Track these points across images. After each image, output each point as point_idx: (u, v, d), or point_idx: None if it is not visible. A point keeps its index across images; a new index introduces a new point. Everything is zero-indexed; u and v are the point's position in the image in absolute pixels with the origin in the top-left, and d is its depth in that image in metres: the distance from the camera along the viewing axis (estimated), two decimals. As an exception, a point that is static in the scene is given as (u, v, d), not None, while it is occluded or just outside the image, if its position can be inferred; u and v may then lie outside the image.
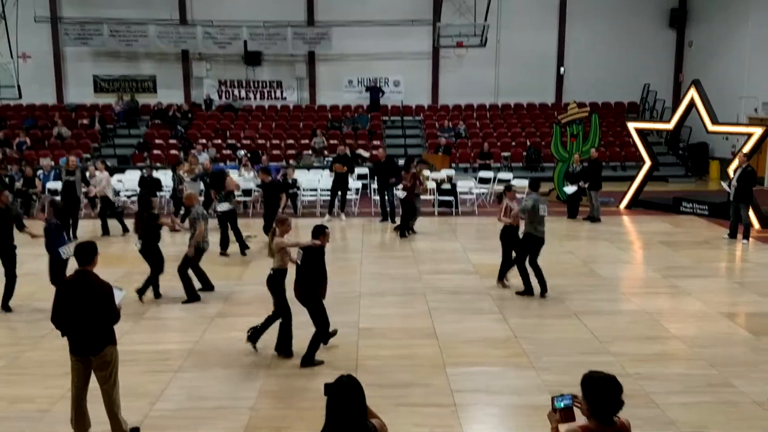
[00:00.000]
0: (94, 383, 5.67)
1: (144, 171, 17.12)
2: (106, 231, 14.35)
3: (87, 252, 5.62)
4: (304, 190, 17.29)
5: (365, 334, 8.33)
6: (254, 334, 7.75)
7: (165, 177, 17.59)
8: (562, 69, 26.10)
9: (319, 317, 7.39)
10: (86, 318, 5.46)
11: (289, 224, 7.83)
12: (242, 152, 20.98)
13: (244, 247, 12.65)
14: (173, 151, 22.16)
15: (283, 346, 7.62)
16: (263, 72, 26.19)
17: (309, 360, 7.32)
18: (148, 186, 16.36)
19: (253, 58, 25.54)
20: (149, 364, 7.45)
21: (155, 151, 22.56)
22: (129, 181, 17.66)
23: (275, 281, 7.64)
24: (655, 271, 11.28)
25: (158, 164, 20.95)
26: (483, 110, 26.06)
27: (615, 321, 8.86)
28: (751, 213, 13.83)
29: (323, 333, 7.52)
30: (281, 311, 7.64)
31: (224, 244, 12.55)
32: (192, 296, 9.64)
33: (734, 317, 9.03)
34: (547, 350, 7.81)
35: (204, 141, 22.48)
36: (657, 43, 25.79)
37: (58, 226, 9.51)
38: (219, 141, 23.05)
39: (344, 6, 24.43)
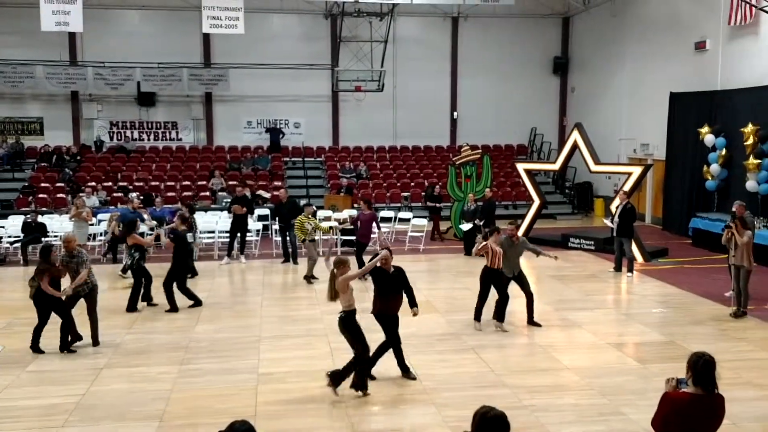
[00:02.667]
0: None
1: (28, 216, 16.22)
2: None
3: None
4: (201, 232, 16.85)
5: (265, 380, 8.13)
6: (336, 378, 7.52)
7: (51, 222, 16.78)
8: (455, 113, 27.08)
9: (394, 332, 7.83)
10: None
11: (348, 265, 7.70)
12: (134, 195, 20.27)
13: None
14: (60, 195, 21.14)
15: (361, 382, 7.57)
16: (158, 113, 25.59)
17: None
18: (33, 231, 15.49)
19: (146, 99, 24.93)
20: (32, 420, 6.94)
21: (41, 195, 21.42)
22: (12, 226, 16.64)
23: (348, 323, 7.52)
24: (546, 304, 11.69)
25: (44, 209, 19.88)
26: (383, 152, 26.54)
27: (510, 354, 9.10)
28: (634, 247, 14.67)
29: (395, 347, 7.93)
30: (363, 351, 7.52)
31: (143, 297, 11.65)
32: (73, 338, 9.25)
33: (622, 347, 9.48)
34: (447, 385, 7.90)
35: (93, 184, 21.58)
36: (542, 89, 27.30)
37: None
38: (110, 183, 22.20)
39: (242, 48, 24.38)
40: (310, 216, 14.01)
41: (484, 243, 10.16)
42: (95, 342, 9.37)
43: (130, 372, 8.39)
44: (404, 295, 7.98)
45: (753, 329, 10.20)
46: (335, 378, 7.54)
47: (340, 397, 7.47)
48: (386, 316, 7.89)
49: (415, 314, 8.12)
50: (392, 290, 7.89)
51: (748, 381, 8.04)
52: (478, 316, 10.22)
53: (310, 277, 13.52)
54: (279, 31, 25.71)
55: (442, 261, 15.74)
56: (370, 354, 7.74)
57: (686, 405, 4.42)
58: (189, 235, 12.28)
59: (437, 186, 19.86)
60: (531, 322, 10.33)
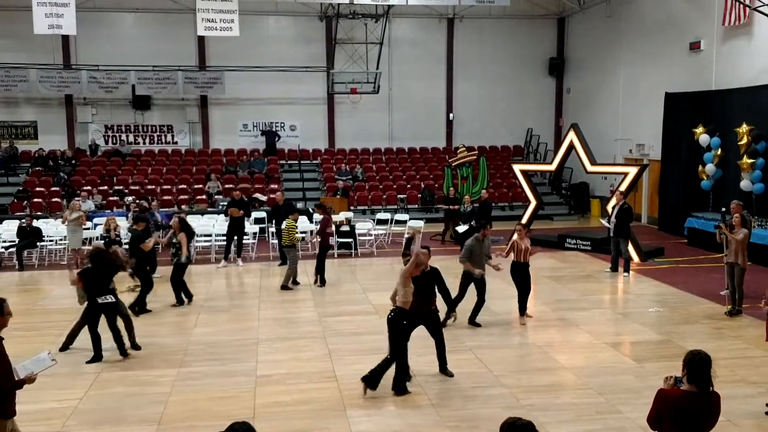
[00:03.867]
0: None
1: (23, 220, 16.19)
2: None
3: None
4: (198, 236, 16.83)
5: (263, 382, 8.14)
6: (372, 381, 7.59)
7: (46, 226, 16.76)
8: (451, 115, 27.11)
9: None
10: None
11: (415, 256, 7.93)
12: (130, 198, 20.25)
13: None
14: (55, 199, 21.09)
15: (399, 385, 7.63)
16: (153, 116, 25.56)
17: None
18: (28, 236, 15.47)
19: (141, 102, 24.90)
20: (30, 425, 6.92)
21: (36, 200, 21.36)
22: (7, 231, 16.60)
23: (395, 322, 7.61)
24: (543, 304, 11.74)
25: (39, 213, 19.84)
26: (379, 154, 26.55)
27: (508, 354, 9.13)
28: (630, 247, 14.72)
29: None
30: (395, 356, 7.58)
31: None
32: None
33: (619, 346, 9.52)
34: (444, 386, 7.92)
35: (89, 188, 21.54)
36: (538, 91, 27.35)
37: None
38: (105, 187, 22.16)
39: (237, 51, 24.38)
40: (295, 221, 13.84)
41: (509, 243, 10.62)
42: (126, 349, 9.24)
43: (128, 375, 8.39)
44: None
45: (748, 327, 10.25)
46: (371, 381, 7.58)
47: (339, 399, 7.48)
48: (419, 313, 7.91)
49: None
50: (425, 290, 8.01)
51: (743, 378, 8.09)
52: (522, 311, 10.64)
53: (287, 287, 13.22)
54: (274, 33, 25.71)
55: (440, 263, 15.72)
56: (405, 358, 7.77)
57: (679, 402, 4.46)
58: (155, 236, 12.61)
59: (450, 188, 19.38)
60: (472, 321, 10.42)
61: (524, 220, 17.94)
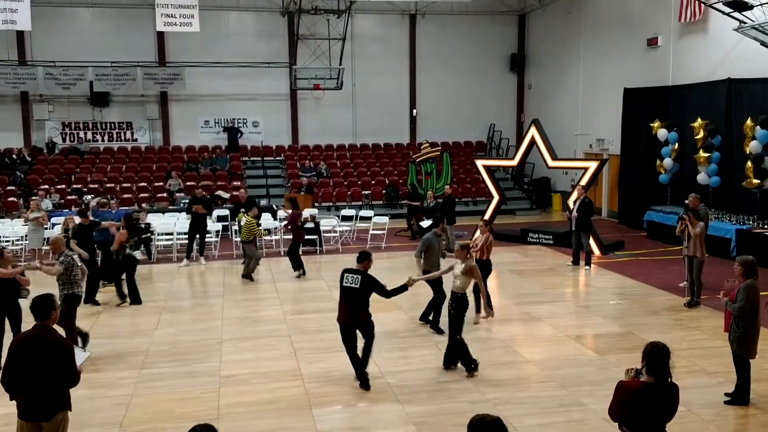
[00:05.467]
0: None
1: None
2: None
3: (45, 306, 5.15)
4: (159, 234, 16.59)
5: (227, 382, 8.05)
6: (448, 359, 8.29)
7: (2, 226, 16.36)
8: (414, 111, 27.17)
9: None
10: (42, 379, 4.94)
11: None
12: (89, 197, 19.83)
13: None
14: (11, 199, 20.56)
15: (462, 360, 8.22)
16: (111, 113, 25.05)
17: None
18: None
19: (100, 99, 24.38)
20: None
21: (-9, 199, 20.80)
22: (-41, 232, 16.14)
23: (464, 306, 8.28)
24: (507, 298, 11.85)
25: (-6, 213, 19.33)
26: (343, 150, 26.46)
27: (472, 349, 9.16)
28: (591, 241, 14.94)
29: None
30: (453, 335, 8.24)
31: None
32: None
33: (581, 339, 9.66)
34: (410, 382, 7.94)
35: (46, 186, 21.03)
36: (500, 86, 27.57)
37: None
38: (63, 186, 21.67)
39: (197, 47, 24.05)
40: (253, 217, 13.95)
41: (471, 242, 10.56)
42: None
43: (89, 378, 8.18)
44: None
45: (706, 318, 10.49)
46: (449, 359, 8.26)
47: (305, 397, 7.44)
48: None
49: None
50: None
51: (702, 368, 8.27)
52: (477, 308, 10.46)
53: (249, 276, 13.64)
54: (235, 28, 25.42)
55: (404, 258, 15.77)
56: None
57: (638, 393, 4.54)
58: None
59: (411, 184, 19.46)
60: (424, 319, 10.40)
61: (487, 216, 18.09)
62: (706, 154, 16.47)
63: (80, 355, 5.38)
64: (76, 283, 8.83)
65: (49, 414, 5.04)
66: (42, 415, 5.04)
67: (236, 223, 15.76)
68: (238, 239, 15.17)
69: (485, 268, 10.53)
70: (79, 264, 9.01)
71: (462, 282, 8.38)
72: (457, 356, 8.23)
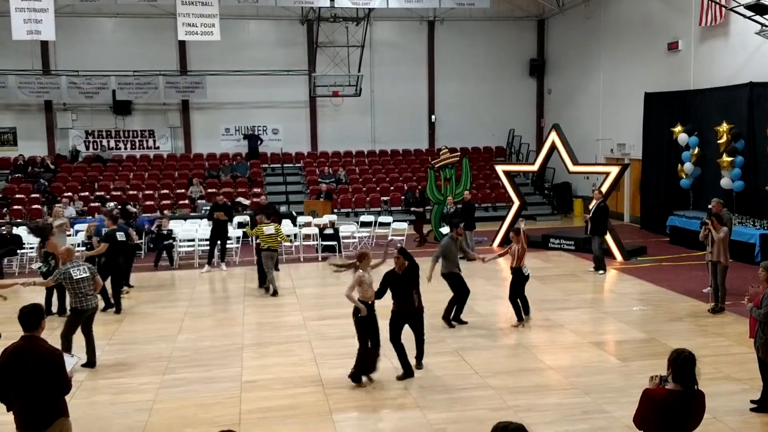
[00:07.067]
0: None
1: (3, 228, 15.99)
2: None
3: (33, 316, 5.14)
4: (181, 240, 16.73)
5: (248, 388, 8.09)
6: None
7: (26, 233, 16.55)
8: (433, 117, 27.16)
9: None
10: (34, 390, 4.94)
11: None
12: (112, 204, 20.06)
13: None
14: (35, 206, 20.86)
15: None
16: (134, 121, 25.36)
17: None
18: (7, 243, 15.27)
19: (122, 108, 24.69)
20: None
21: (15, 207, 21.11)
22: (-15, 239, 16.35)
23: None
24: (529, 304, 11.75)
25: (18, 220, 19.59)
26: (362, 156, 26.53)
27: (493, 355, 9.14)
28: (613, 246, 14.81)
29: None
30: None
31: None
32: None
33: (604, 345, 9.57)
34: (431, 388, 7.91)
35: (69, 194, 21.32)
36: (519, 92, 27.46)
37: None
38: (86, 193, 21.95)
39: (218, 55, 24.26)
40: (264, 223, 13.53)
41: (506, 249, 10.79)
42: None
43: (112, 383, 8.30)
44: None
45: (731, 324, 10.35)
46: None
47: (325, 403, 7.45)
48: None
49: None
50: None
51: (727, 375, 8.16)
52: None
53: (270, 288, 13.14)
54: (255, 37, 25.63)
55: (423, 264, 15.71)
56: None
57: (665, 401, 4.48)
58: (120, 234, 12.45)
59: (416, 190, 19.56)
60: (456, 319, 10.58)
61: (507, 221, 18.04)
62: (730, 159, 16.27)
63: (69, 361, 5.36)
64: (83, 295, 8.66)
65: (45, 424, 5.02)
66: (39, 426, 5.01)
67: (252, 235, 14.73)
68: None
69: (517, 275, 10.49)
70: (77, 277, 8.64)
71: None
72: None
